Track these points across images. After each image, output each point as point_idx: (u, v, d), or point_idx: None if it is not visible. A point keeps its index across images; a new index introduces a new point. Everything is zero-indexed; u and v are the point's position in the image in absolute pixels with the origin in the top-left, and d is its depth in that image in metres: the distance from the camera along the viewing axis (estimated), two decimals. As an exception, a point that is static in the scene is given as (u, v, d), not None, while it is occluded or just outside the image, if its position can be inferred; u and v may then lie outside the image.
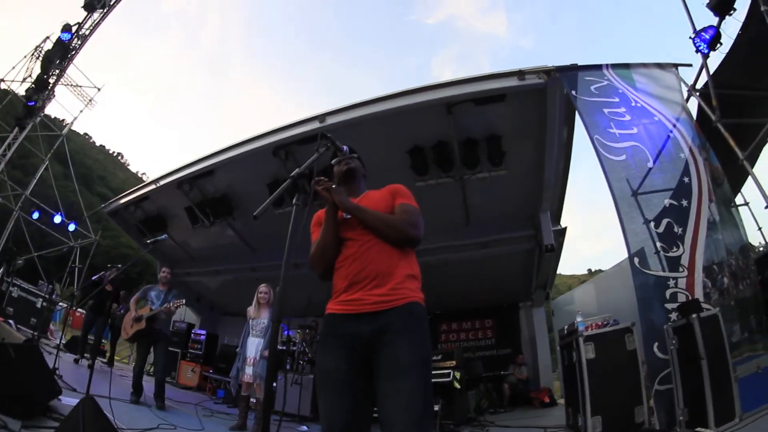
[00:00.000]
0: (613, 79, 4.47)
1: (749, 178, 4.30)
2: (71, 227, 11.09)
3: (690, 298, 3.43)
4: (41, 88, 9.45)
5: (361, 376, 1.46)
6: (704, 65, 4.64)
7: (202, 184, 7.32)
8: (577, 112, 4.43)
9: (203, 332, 8.47)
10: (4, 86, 10.16)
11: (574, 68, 4.47)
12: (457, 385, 5.29)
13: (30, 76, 9.98)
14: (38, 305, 8.32)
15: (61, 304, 9.87)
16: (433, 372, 5.25)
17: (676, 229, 3.65)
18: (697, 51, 4.50)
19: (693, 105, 4.77)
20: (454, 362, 5.48)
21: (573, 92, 4.30)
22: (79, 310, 11.37)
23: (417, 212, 1.66)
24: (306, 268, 6.34)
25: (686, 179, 3.86)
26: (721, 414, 2.88)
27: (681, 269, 3.55)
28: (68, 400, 3.36)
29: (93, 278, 7.09)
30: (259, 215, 1.57)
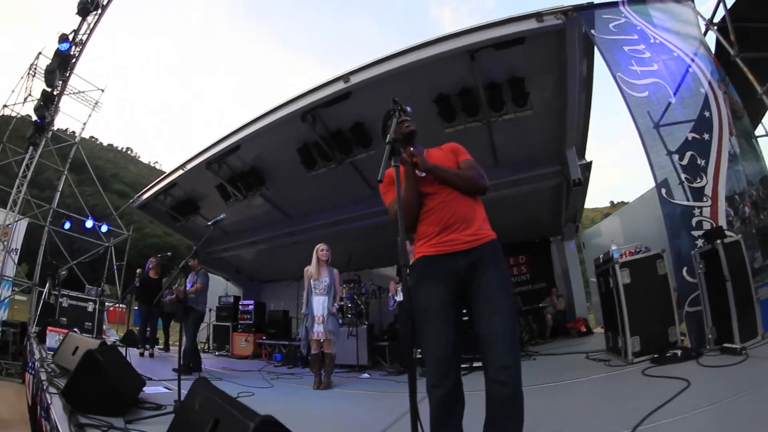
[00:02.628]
0: (630, 15, 4.85)
1: (768, 111, 4.66)
2: (104, 228, 11.90)
3: (714, 225, 3.83)
4: (48, 104, 9.87)
5: (457, 308, 1.90)
6: (721, -1, 4.96)
7: (230, 161, 8.02)
8: (597, 51, 4.88)
9: (251, 302, 9.48)
10: (7, 111, 10.60)
11: (591, 6, 4.85)
12: None
13: (30, 95, 10.40)
14: (89, 309, 9.12)
15: (108, 304, 10.85)
16: None
17: (699, 161, 4.07)
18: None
19: (711, 39, 5.11)
20: None
21: (592, 31, 4.71)
22: (119, 305, 12.53)
23: (479, 166, 2.06)
24: (345, 224, 7.32)
25: (707, 113, 4.24)
26: (745, 332, 3.27)
27: (705, 199, 3.97)
28: (150, 390, 3.94)
29: (137, 278, 7.92)
30: (382, 177, 1.85)
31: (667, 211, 4.01)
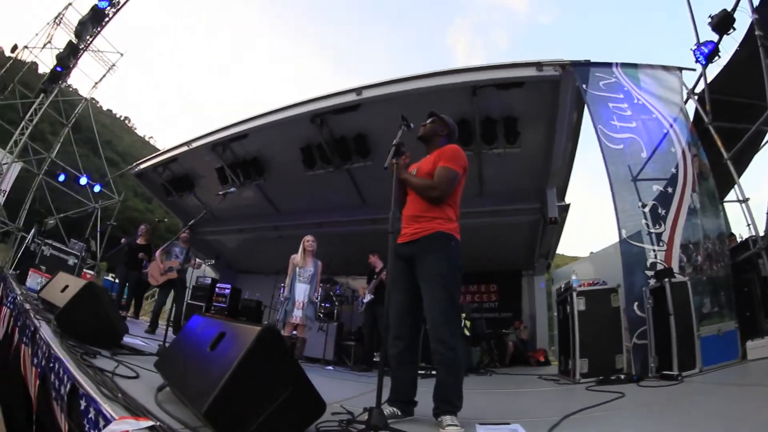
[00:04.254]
0: (620, 77, 5.38)
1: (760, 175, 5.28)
2: (96, 188, 11.85)
3: (666, 267, 4.20)
4: (72, 55, 9.96)
5: (412, 283, 2.40)
6: (703, 73, 5.64)
7: (235, 147, 8.29)
8: (585, 104, 5.41)
9: (228, 286, 9.58)
10: (26, 54, 10.63)
11: (587, 64, 5.40)
12: (467, 332, 6.44)
13: (50, 42, 10.47)
14: (69, 263, 9.12)
15: (89, 260, 10.73)
16: None
17: (660, 210, 4.50)
18: (696, 61, 5.57)
19: (692, 108, 5.68)
20: (464, 314, 6.44)
21: (584, 86, 5.23)
22: (90, 271, 12.37)
23: (446, 176, 2.42)
24: (329, 227, 7.72)
25: (674, 170, 4.73)
26: (684, 362, 3.56)
27: (661, 243, 4.37)
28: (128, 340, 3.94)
29: (122, 241, 7.91)
30: (388, 166, 2.49)
31: (624, 249, 4.40)
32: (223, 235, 10.83)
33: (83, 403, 1.55)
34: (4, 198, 10.39)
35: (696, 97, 5.72)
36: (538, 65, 5.74)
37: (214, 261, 6.34)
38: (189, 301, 9.78)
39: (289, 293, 5.53)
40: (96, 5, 9.88)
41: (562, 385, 4.36)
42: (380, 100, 6.60)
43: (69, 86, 16.30)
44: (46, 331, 2.76)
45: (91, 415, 1.46)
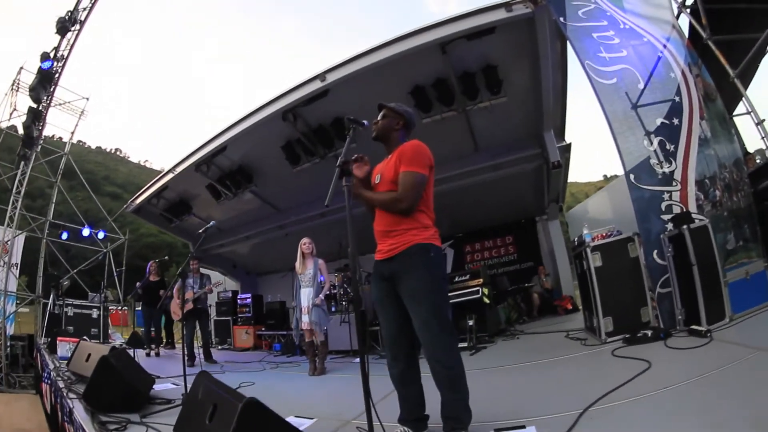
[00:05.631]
0: (600, 1, 4.73)
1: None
2: (101, 235, 11.95)
3: (683, 209, 3.84)
4: (36, 120, 9.80)
5: (396, 302, 2.21)
6: (693, -20, 4.80)
7: (218, 161, 8.04)
8: (567, 40, 4.82)
9: (248, 295, 9.59)
10: None
11: None
12: (487, 300, 6.17)
13: (15, 109, 10.34)
14: (94, 315, 9.37)
15: (111, 307, 10.98)
16: (464, 290, 6.07)
17: (668, 146, 4.01)
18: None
19: (685, 22, 4.95)
20: (481, 280, 6.16)
21: (561, 18, 4.60)
22: (121, 308, 12.63)
23: (410, 183, 2.15)
24: (332, 215, 7.41)
25: (677, 98, 4.15)
26: (712, 314, 3.33)
27: (674, 183, 3.94)
28: (159, 386, 4.18)
29: (138, 284, 7.95)
30: (330, 202, 2.07)
31: (635, 196, 3.99)
32: (233, 245, 10.78)
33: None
34: (18, 269, 10.59)
35: (688, 11, 4.94)
36: (507, 5, 5.14)
37: (221, 282, 6.35)
38: (216, 318, 9.91)
39: (296, 301, 5.53)
40: (40, 67, 9.60)
41: (589, 347, 4.10)
42: (347, 80, 6.14)
43: (52, 137, 16.26)
44: (79, 411, 3.10)
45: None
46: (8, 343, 9.16)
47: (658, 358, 2.96)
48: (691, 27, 4.89)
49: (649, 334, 3.57)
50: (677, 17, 4.93)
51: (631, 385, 2.54)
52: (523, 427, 2.16)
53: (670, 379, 2.48)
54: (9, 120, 10.37)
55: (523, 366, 3.94)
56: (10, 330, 10.10)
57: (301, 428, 2.69)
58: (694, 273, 3.36)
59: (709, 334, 3.15)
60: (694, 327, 3.36)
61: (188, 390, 2.95)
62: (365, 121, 2.38)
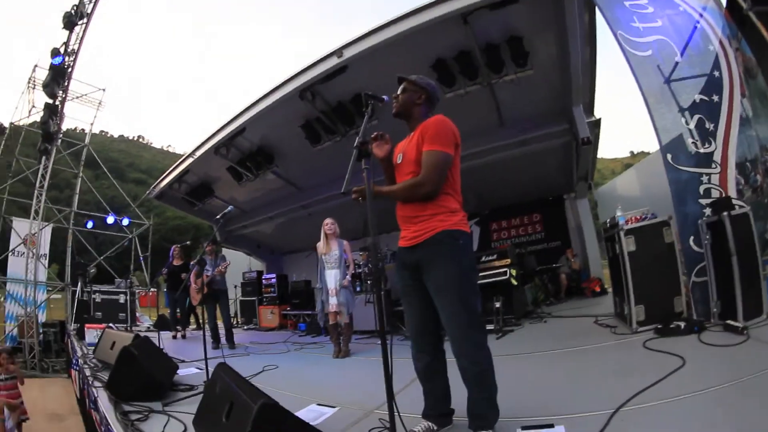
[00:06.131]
0: None
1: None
2: (125, 222, 12.25)
3: (723, 194, 3.57)
4: (53, 115, 9.91)
5: (422, 292, 2.08)
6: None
7: (238, 143, 8.00)
8: (597, 8, 4.43)
9: (273, 275, 9.70)
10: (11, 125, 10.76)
11: None
12: (514, 282, 5.95)
13: (34, 106, 10.49)
14: (121, 301, 9.67)
15: (139, 290, 11.34)
16: (490, 271, 5.89)
17: (707, 125, 3.69)
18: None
19: None
20: (508, 260, 5.93)
21: None
22: (148, 290, 13.05)
23: (433, 164, 1.99)
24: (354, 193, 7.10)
25: (716, 73, 3.81)
26: (749, 309, 3.10)
27: (714, 165, 3.64)
28: (183, 371, 4.14)
29: (163, 269, 8.08)
30: (347, 189, 1.93)
31: (672, 177, 3.70)
32: (257, 225, 10.85)
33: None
34: (47, 260, 10.99)
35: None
36: (532, -29, 4.76)
37: (228, 263, 6.37)
38: (241, 298, 10.09)
39: (320, 282, 5.44)
40: (51, 64, 9.59)
41: (619, 335, 3.89)
42: (365, 55, 5.88)
43: (74, 129, 16.61)
44: (103, 401, 3.14)
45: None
46: (41, 330, 9.58)
47: (693, 355, 2.77)
48: (729, -2, 4.40)
49: (682, 327, 3.35)
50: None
51: (664, 383, 2.38)
52: (552, 426, 2.03)
53: (705, 381, 2.30)
54: (29, 116, 10.59)
55: (551, 354, 3.80)
56: (42, 317, 10.53)
57: (323, 417, 2.66)
58: (733, 264, 3.11)
59: (745, 332, 2.94)
60: (729, 322, 3.14)
61: (209, 378, 2.93)
62: (385, 96, 2.18)
